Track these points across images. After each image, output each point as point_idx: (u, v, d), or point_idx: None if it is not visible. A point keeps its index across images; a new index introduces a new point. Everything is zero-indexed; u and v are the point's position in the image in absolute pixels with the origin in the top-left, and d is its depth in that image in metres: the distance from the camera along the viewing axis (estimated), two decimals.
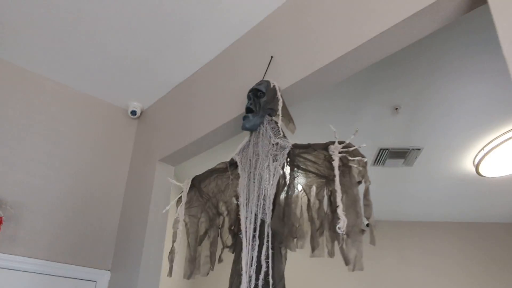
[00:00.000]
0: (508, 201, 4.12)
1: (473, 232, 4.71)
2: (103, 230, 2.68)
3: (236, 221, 1.75)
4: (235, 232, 1.74)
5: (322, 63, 1.73)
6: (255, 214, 1.59)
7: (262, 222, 1.57)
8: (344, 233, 1.34)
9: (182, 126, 2.52)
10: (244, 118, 1.75)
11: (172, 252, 1.80)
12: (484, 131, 3.04)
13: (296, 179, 1.62)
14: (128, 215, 2.67)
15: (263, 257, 1.49)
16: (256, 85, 1.83)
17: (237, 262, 1.58)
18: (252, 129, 1.76)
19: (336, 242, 1.43)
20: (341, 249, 1.36)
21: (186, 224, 1.79)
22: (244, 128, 1.75)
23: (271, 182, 1.62)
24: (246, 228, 1.58)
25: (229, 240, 1.75)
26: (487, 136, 3.09)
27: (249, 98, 1.80)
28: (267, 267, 1.48)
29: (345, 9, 1.72)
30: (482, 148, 3.22)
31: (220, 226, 1.77)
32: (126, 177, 2.89)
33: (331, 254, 1.44)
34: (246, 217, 1.61)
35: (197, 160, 3.52)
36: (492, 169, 3.40)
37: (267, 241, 1.52)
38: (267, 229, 1.54)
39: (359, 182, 1.42)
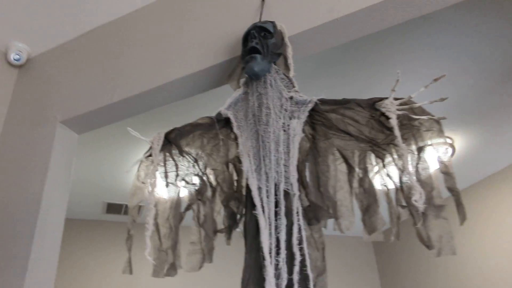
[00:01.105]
0: None
1: None
2: None
3: (232, 196, 1.26)
4: (233, 211, 1.24)
5: (339, 13, 1.42)
6: (275, 184, 1.14)
7: (286, 194, 1.13)
8: (422, 207, 1.02)
9: (100, 81, 1.85)
10: (251, 59, 1.30)
11: (129, 238, 1.18)
12: None
13: (326, 141, 1.24)
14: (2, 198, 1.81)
15: (294, 241, 1.06)
16: (261, 23, 1.40)
17: (251, 250, 1.09)
18: (260, 75, 1.32)
19: (396, 221, 1.10)
20: (419, 229, 1.03)
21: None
22: (251, 72, 1.29)
23: (294, 145, 1.20)
24: (262, 202, 1.12)
25: (224, 221, 1.24)
26: None
27: (253, 36, 1.35)
28: (302, 254, 1.05)
29: None
30: None
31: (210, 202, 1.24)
32: None
33: (397, 236, 1.10)
34: (260, 188, 1.15)
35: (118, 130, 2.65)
36: None
37: (298, 220, 1.09)
38: (297, 203, 1.11)
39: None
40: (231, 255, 2.38)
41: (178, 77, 1.67)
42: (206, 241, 1.14)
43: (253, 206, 1.13)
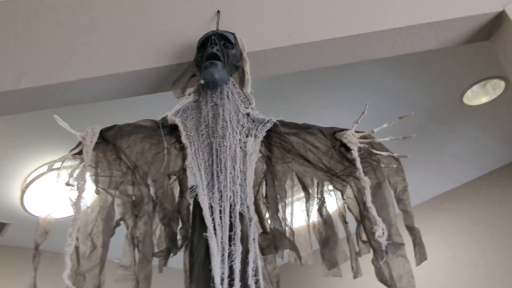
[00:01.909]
0: None
1: None
2: None
3: (174, 214, 1.07)
4: (173, 231, 1.05)
5: (304, 38, 1.40)
6: (230, 205, 1.01)
7: (241, 217, 1.00)
8: (385, 244, 0.98)
9: (4, 61, 1.52)
10: (211, 65, 1.18)
11: (37, 255, 0.90)
12: None
13: (284, 165, 1.15)
14: None
15: (250, 272, 0.92)
16: (222, 31, 1.30)
17: (198, 279, 0.92)
18: (218, 84, 1.20)
19: (355, 257, 1.05)
20: (379, 267, 0.98)
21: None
22: (210, 79, 1.17)
23: (251, 164, 1.10)
24: (215, 224, 0.97)
25: (162, 243, 1.03)
26: None
27: (213, 42, 1.24)
28: (258, 287, 0.92)
29: None
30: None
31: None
32: None
33: (356, 273, 1.03)
34: (212, 207, 1.00)
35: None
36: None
37: (255, 247, 0.97)
38: (254, 229, 0.99)
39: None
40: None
41: (109, 73, 1.44)
42: (142, 266, 0.93)
43: (203, 227, 0.97)
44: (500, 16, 1.37)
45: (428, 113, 2.56)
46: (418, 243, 1.02)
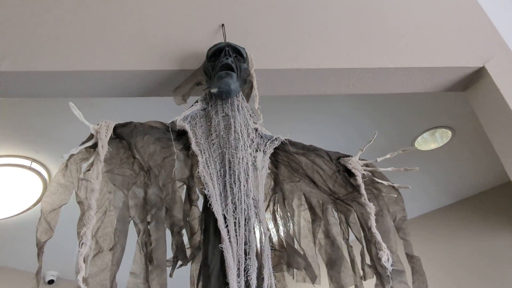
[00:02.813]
0: None
1: None
2: None
3: (184, 222, 1.01)
4: (182, 241, 0.98)
5: (308, 64, 1.44)
6: (245, 219, 0.98)
7: (255, 232, 0.98)
8: (391, 269, 1.01)
9: None
10: (227, 75, 1.16)
11: (41, 253, 0.80)
12: None
13: (292, 184, 1.16)
14: None
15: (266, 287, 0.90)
16: (235, 45, 1.30)
17: None
18: (232, 95, 1.18)
19: (359, 281, 1.06)
20: None
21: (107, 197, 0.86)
22: (226, 89, 1.15)
23: (262, 179, 1.09)
24: (230, 236, 0.93)
25: (171, 250, 0.96)
26: None
27: (228, 54, 1.23)
28: None
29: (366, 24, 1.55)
30: None
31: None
32: None
33: None
34: (226, 218, 0.96)
35: None
36: None
37: (269, 263, 0.94)
38: (268, 244, 0.97)
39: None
40: None
41: (101, 69, 1.36)
42: (156, 274, 0.85)
43: (217, 238, 0.93)
44: (480, 71, 1.52)
45: (383, 153, 2.72)
46: (417, 271, 1.06)
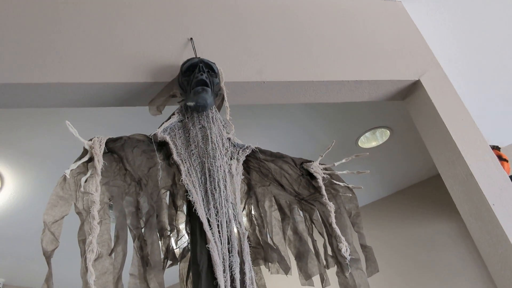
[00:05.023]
0: None
1: None
2: None
3: (171, 226, 1.12)
4: (168, 243, 1.09)
5: (270, 77, 1.60)
6: (226, 221, 1.11)
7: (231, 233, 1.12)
8: (349, 258, 1.20)
9: None
10: (203, 90, 1.28)
11: (49, 262, 0.87)
12: None
13: (263, 187, 1.31)
14: None
15: (248, 281, 1.04)
16: (207, 60, 1.42)
17: (206, 286, 0.99)
18: (207, 108, 1.30)
19: (323, 269, 1.24)
20: (344, 278, 1.19)
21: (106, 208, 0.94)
22: (203, 103, 1.27)
23: (238, 184, 1.23)
24: (214, 237, 1.06)
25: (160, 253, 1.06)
26: None
27: (202, 70, 1.35)
28: None
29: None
30: None
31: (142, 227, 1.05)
32: None
33: (326, 282, 1.21)
34: (210, 222, 1.09)
35: None
36: None
37: (249, 259, 1.09)
38: (246, 243, 1.11)
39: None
40: None
41: (76, 81, 1.42)
42: (153, 274, 0.96)
43: (203, 239, 1.06)
44: (416, 84, 1.76)
45: (329, 152, 2.96)
46: (370, 259, 1.26)
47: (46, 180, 2.49)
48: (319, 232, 1.28)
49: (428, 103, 1.72)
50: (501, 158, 2.39)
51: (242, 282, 1.03)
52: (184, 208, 1.17)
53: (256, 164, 1.33)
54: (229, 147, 1.31)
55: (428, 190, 3.51)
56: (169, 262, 1.13)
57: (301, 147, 2.84)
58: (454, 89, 1.76)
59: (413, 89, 1.79)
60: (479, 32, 2.33)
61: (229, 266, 1.04)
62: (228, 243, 1.08)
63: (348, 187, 1.38)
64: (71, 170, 0.97)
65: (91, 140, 1.05)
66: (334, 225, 1.25)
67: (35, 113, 2.02)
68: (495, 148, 2.51)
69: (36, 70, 1.38)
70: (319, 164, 1.38)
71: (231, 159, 1.28)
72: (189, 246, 1.13)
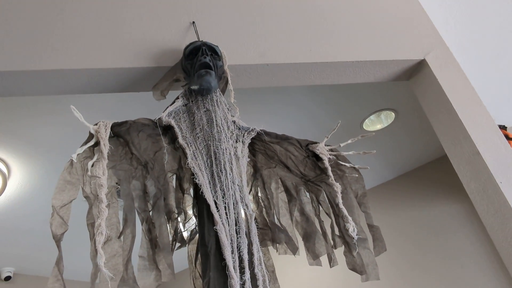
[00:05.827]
0: None
1: None
2: None
3: (178, 209, 1.12)
4: (176, 226, 1.10)
5: (274, 59, 1.58)
6: (233, 203, 1.11)
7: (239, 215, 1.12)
8: (356, 238, 1.20)
9: None
10: (206, 73, 1.27)
11: (59, 245, 0.88)
12: None
13: (269, 169, 1.30)
14: None
15: (256, 261, 1.05)
16: (210, 43, 1.40)
17: (217, 267, 1.00)
18: (211, 91, 1.30)
19: (331, 249, 1.24)
20: (351, 257, 1.19)
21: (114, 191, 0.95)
22: (207, 86, 1.26)
23: (244, 167, 1.22)
24: (222, 219, 1.06)
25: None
26: None
27: (205, 53, 1.34)
28: (263, 275, 1.05)
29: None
30: None
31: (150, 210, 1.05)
32: None
33: (334, 262, 1.21)
34: (217, 204, 1.09)
35: None
36: None
37: (256, 240, 1.09)
38: (253, 224, 1.12)
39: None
40: None
41: (79, 68, 1.41)
42: (163, 255, 0.97)
43: (210, 221, 1.06)
44: (421, 63, 1.74)
45: (335, 134, 2.96)
46: (377, 238, 1.26)
47: (52, 169, 2.50)
48: (326, 213, 1.28)
49: (434, 83, 1.70)
50: (507, 138, 2.37)
51: (251, 262, 1.04)
52: (191, 191, 1.17)
53: (262, 146, 1.32)
54: (234, 130, 1.30)
55: (433, 172, 3.50)
56: (178, 245, 1.13)
57: (305, 130, 2.83)
58: (461, 68, 1.74)
59: (419, 68, 1.77)
60: (486, 10, 2.30)
61: (237, 247, 1.04)
62: (236, 225, 1.08)
63: (354, 168, 1.37)
64: (77, 155, 0.97)
65: (96, 124, 1.05)
66: (341, 205, 1.25)
67: (39, 102, 2.02)
68: (502, 127, 2.49)
69: (37, 57, 1.38)
70: (325, 145, 1.37)
71: (236, 141, 1.28)
72: (196, 228, 1.13)
